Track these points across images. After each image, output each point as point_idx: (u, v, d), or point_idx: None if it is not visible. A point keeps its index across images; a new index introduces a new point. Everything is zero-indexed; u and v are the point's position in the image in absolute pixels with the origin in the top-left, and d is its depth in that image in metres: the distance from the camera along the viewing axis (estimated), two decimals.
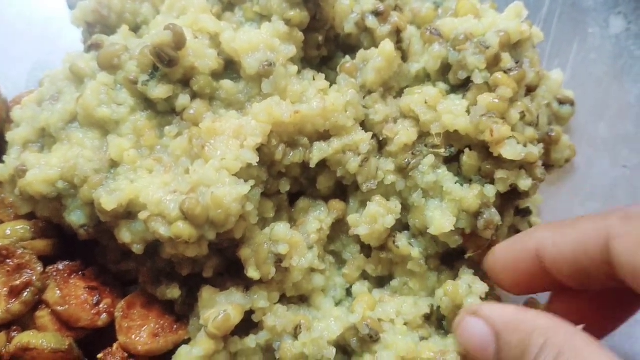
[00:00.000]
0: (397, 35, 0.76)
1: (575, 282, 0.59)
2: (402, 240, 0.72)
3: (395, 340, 0.68)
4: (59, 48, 0.85)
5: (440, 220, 0.68)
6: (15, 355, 0.63)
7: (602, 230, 0.55)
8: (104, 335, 0.69)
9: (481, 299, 0.67)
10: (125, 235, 0.65)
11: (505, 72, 0.69)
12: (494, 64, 0.70)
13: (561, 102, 0.89)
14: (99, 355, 0.67)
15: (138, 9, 0.77)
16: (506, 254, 0.65)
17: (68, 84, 0.71)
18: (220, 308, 0.66)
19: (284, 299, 0.71)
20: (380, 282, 0.76)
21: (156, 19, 0.75)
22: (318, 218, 0.73)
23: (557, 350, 0.48)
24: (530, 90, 0.75)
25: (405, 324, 0.70)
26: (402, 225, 0.74)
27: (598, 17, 0.92)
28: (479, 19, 0.74)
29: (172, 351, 0.69)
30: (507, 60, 0.70)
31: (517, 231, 0.79)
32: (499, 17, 0.74)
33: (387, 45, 0.72)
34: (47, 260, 0.70)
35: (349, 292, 0.75)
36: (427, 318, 0.72)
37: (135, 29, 0.78)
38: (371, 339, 0.67)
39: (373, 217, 0.70)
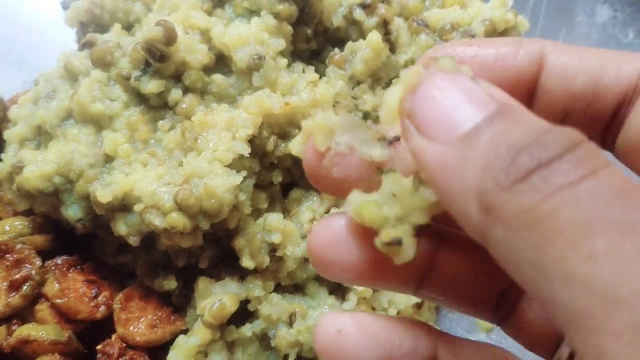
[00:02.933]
0: (384, 27, 0.77)
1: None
2: None
3: None
4: (55, 50, 0.86)
5: None
6: (15, 347, 0.64)
7: None
8: (103, 327, 0.70)
9: None
10: (121, 227, 0.66)
11: None
12: None
13: None
14: (98, 347, 0.68)
15: (130, 8, 0.79)
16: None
17: (63, 82, 0.72)
18: (216, 297, 0.67)
19: (278, 288, 0.72)
20: None
21: (148, 17, 0.76)
22: (310, 208, 0.74)
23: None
24: None
25: (398, 313, 0.71)
26: None
27: (585, 5, 0.93)
28: (465, 9, 0.75)
29: (170, 341, 0.69)
30: None
31: None
32: (484, 6, 0.75)
33: (374, 36, 0.73)
34: (45, 254, 0.71)
35: None
36: (419, 307, 0.73)
37: (128, 27, 0.79)
38: None
39: None
